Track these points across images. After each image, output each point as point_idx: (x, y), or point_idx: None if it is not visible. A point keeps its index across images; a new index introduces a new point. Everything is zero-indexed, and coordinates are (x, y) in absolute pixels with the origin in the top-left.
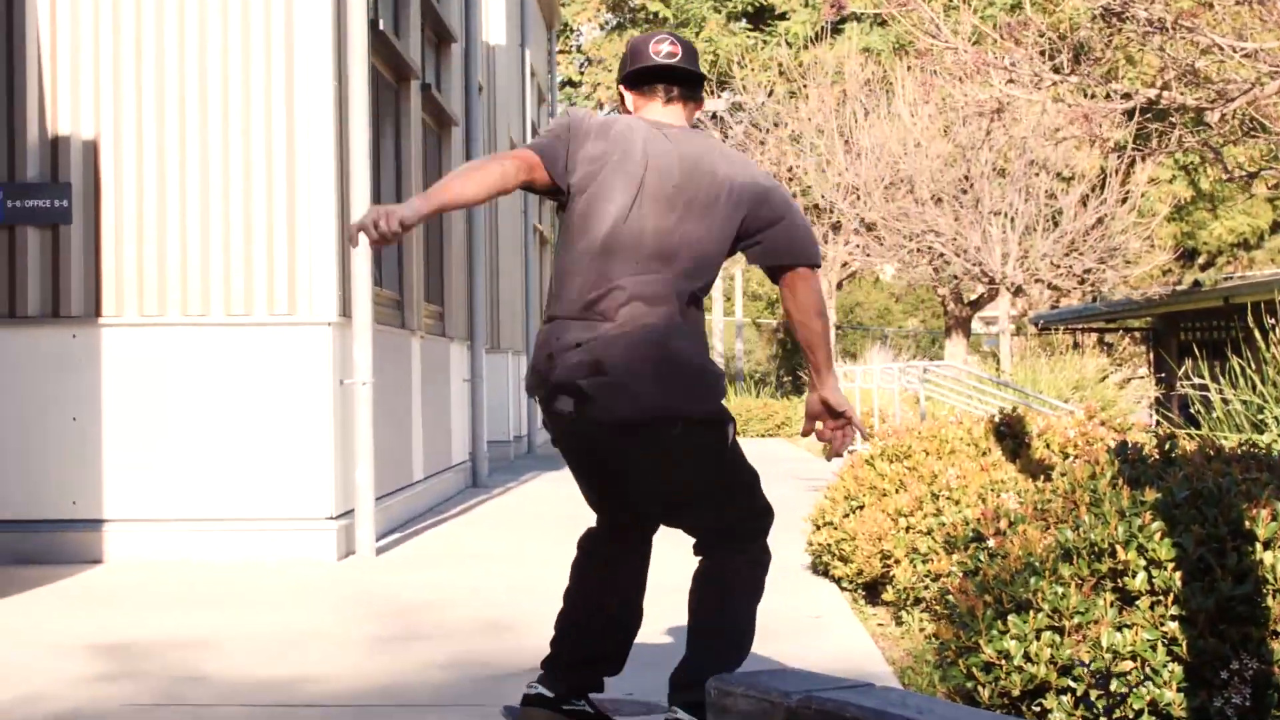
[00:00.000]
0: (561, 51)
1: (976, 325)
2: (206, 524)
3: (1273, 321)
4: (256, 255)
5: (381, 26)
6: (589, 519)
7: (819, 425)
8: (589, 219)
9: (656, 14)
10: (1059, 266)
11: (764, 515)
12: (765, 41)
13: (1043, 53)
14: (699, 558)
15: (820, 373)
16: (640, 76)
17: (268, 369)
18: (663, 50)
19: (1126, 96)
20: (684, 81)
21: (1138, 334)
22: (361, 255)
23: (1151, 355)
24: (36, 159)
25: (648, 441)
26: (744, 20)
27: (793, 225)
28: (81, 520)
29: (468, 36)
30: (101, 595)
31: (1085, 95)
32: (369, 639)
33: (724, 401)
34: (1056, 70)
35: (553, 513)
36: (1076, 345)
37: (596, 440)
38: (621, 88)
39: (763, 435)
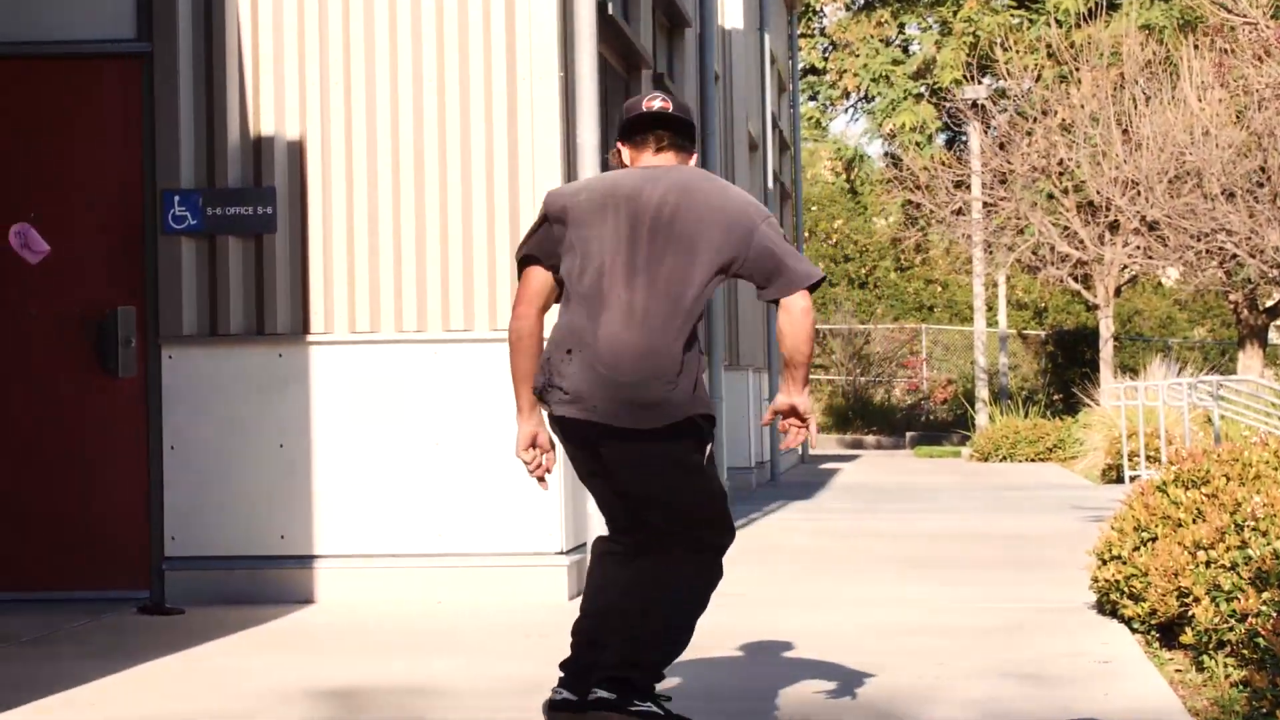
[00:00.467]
0: (803, 36)
1: (1274, 335)
2: (425, 560)
3: None
4: (477, 265)
5: (610, 12)
6: (841, 558)
7: (781, 420)
8: (580, 259)
9: None
10: None
11: (724, 533)
12: (1032, 20)
13: None
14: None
15: (797, 384)
16: (632, 127)
17: (490, 389)
18: (655, 105)
19: None
20: (675, 130)
21: None
22: None
23: None
24: (238, 163)
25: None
26: None
27: (788, 252)
28: (290, 556)
29: (702, 21)
30: (317, 638)
31: None
32: None
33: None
34: None
35: (800, 548)
36: None
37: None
38: (619, 145)
39: (1033, 459)
